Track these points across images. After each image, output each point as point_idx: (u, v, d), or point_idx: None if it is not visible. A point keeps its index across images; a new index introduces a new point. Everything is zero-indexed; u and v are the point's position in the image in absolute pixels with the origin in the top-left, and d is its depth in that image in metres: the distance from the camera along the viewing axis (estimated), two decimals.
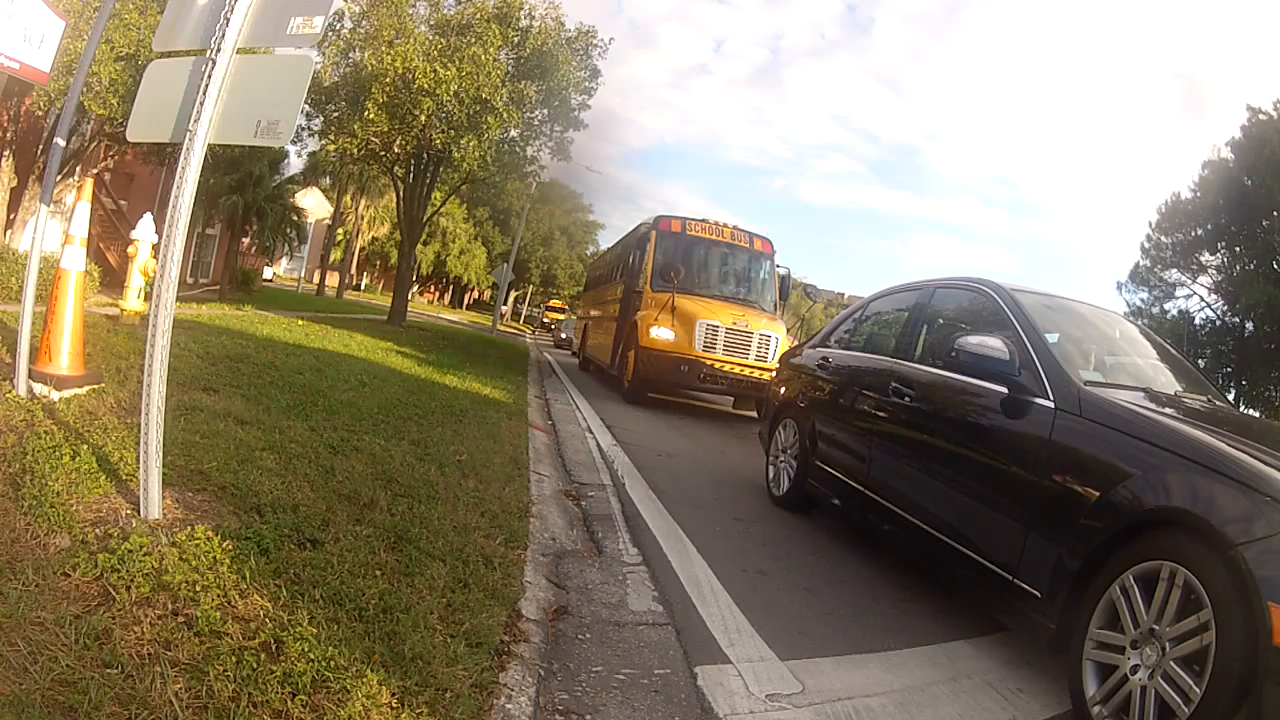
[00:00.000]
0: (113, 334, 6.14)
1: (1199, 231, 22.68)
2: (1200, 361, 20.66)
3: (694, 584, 3.14)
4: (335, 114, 15.35)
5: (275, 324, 10.51)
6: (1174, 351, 3.87)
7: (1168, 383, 3.44)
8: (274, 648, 1.79)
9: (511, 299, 58.26)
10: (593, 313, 15.74)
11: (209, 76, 2.36)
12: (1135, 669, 2.14)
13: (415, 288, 43.78)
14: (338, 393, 5.30)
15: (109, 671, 1.57)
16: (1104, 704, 2.20)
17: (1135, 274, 24.67)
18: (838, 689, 2.39)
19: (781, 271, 11.36)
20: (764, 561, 3.64)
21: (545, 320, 44.76)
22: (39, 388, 3.57)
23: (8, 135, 12.46)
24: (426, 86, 13.18)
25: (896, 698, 2.42)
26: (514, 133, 15.92)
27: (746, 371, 9.37)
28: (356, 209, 39.67)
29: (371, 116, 13.68)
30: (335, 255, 40.95)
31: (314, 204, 38.57)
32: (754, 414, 10.33)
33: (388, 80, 13.42)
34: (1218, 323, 22.80)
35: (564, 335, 28.57)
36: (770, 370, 8.57)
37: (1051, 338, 3.17)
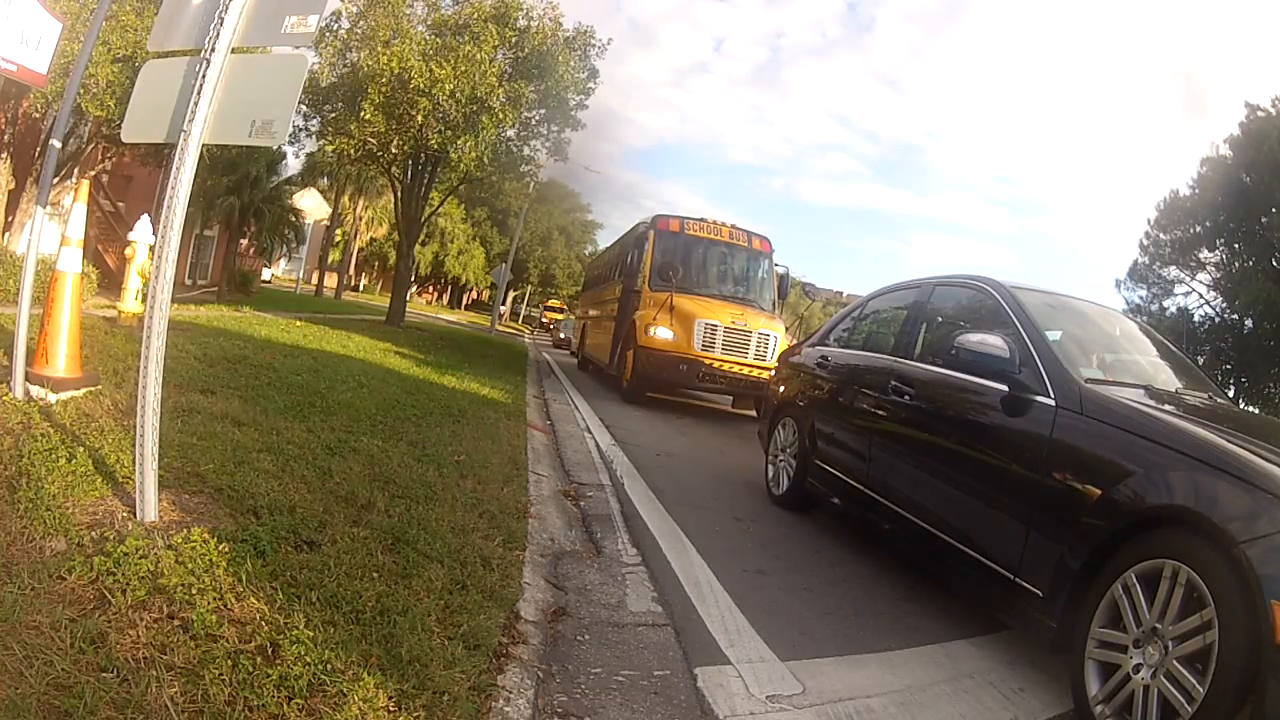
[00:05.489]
0: (110, 336, 6.12)
1: (1198, 229, 22.68)
2: (1200, 358, 20.65)
3: (693, 584, 3.13)
4: (332, 114, 15.34)
5: (273, 325, 10.49)
6: (1174, 349, 3.87)
7: (1168, 380, 3.43)
8: (270, 651, 1.78)
9: (510, 299, 58.24)
10: (591, 312, 15.73)
11: (203, 76, 2.34)
12: (1138, 668, 2.13)
13: (413, 288, 43.77)
14: (335, 394, 5.29)
15: (104, 675, 1.55)
16: (1106, 703, 2.19)
17: (1134, 271, 24.68)
18: (838, 689, 2.38)
19: (780, 270, 11.36)
20: (764, 561, 3.63)
21: (544, 320, 44.74)
22: (36, 390, 3.55)
23: (5, 137, 12.43)
24: (423, 86, 13.17)
25: (897, 698, 2.41)
26: (511, 132, 15.91)
27: (745, 370, 9.36)
28: (354, 210, 39.65)
29: (368, 117, 13.66)
30: (333, 256, 40.92)
31: (312, 205, 38.50)
32: (753, 413, 10.32)
33: (384, 80, 13.40)
34: (1217, 320, 22.78)
35: (563, 335, 28.58)
36: (769, 369, 8.56)
37: (1052, 335, 3.16)
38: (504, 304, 43.89)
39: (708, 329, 9.37)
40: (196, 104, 2.33)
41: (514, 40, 14.88)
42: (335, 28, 14.60)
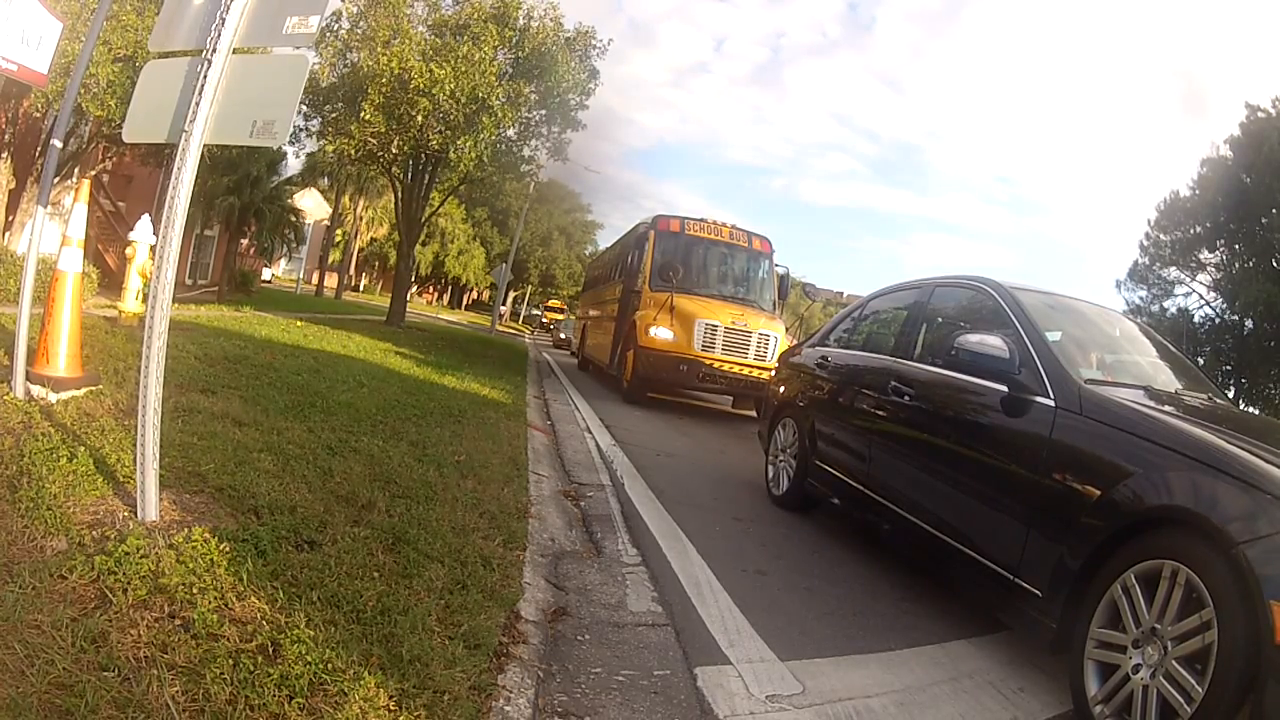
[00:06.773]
0: (111, 335, 6.12)
1: (1198, 229, 22.68)
2: (1199, 359, 20.64)
3: (693, 584, 3.14)
4: (333, 115, 15.35)
5: (273, 325, 10.49)
6: (1174, 349, 3.87)
7: (1168, 381, 3.43)
8: (271, 650, 1.78)
9: (510, 299, 58.23)
10: (591, 312, 15.74)
11: (204, 77, 2.35)
12: (1137, 668, 2.13)
13: (414, 288, 43.77)
14: (336, 394, 5.29)
15: (105, 675, 1.56)
16: (1106, 703, 2.19)
17: (1134, 272, 24.68)
18: (838, 689, 2.39)
19: (780, 270, 11.37)
20: (764, 561, 3.63)
21: (544, 320, 44.76)
22: (36, 390, 3.55)
23: (6, 137, 12.44)
24: (423, 86, 13.18)
25: (897, 698, 2.41)
26: (511, 132, 15.92)
27: (745, 371, 9.36)
28: (355, 210, 39.67)
29: (368, 117, 13.67)
30: (334, 256, 40.92)
31: (312, 205, 38.47)
32: (753, 413, 10.32)
33: (384, 81, 13.41)
34: (1217, 320, 22.79)
35: (563, 335, 28.61)
36: (769, 369, 8.56)
37: (1052, 336, 3.16)
38: (504, 304, 43.92)
39: (708, 329, 9.38)
40: (198, 104, 2.34)
41: (514, 40, 14.89)
42: (335, 28, 14.62)
